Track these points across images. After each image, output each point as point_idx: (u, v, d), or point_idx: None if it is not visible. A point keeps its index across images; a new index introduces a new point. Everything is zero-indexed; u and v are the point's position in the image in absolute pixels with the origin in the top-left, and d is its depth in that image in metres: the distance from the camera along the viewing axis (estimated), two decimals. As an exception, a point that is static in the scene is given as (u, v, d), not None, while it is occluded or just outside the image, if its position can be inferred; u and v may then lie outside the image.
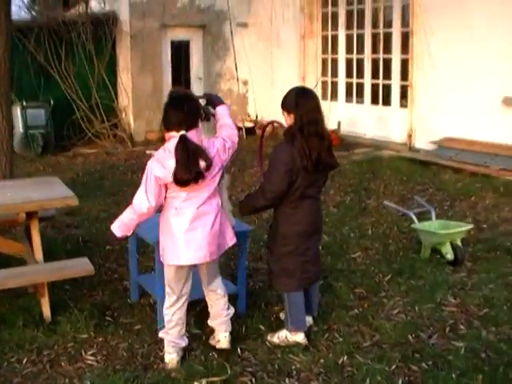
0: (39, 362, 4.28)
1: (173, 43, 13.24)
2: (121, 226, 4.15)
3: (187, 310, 4.32)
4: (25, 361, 4.29)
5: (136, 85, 12.53)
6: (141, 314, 4.99)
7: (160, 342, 4.50)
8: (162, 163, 3.93)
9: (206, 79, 13.65)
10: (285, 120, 4.45)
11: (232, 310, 4.50)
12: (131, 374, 4.07)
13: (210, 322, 4.48)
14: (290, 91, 4.49)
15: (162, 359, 4.27)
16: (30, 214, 4.96)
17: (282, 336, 4.51)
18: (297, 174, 4.26)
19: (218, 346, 4.39)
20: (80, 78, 12.15)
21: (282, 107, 4.42)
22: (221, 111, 4.41)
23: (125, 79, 12.61)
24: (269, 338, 4.56)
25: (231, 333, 4.42)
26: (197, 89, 13.63)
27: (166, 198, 4.03)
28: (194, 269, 4.24)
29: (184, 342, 4.31)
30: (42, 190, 5.15)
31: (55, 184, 5.43)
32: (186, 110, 3.96)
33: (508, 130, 9.27)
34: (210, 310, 4.47)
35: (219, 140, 4.18)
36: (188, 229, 4.03)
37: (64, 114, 12.02)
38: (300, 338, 4.47)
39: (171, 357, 4.22)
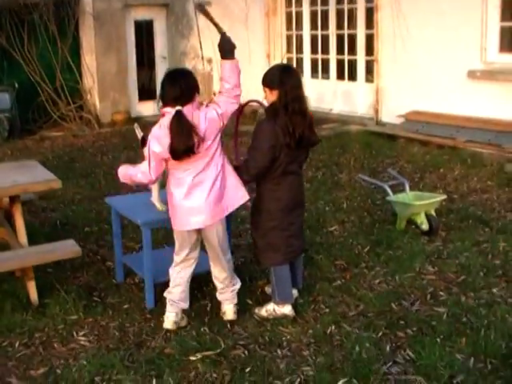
0: (32, 345, 4.30)
1: (136, 23, 13.14)
2: (125, 176, 4.42)
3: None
4: (17, 344, 4.31)
5: (100, 66, 12.43)
6: (128, 293, 5.04)
7: (150, 321, 4.58)
8: (159, 140, 4.07)
9: (170, 58, 13.60)
10: (265, 97, 4.50)
11: (238, 285, 4.65)
12: (125, 353, 4.13)
13: (218, 296, 4.64)
14: (273, 68, 4.55)
15: (154, 337, 4.35)
16: (12, 197, 4.95)
17: (270, 309, 4.61)
18: (279, 150, 4.34)
19: (224, 318, 4.55)
20: (43, 60, 11.99)
21: (264, 84, 4.47)
22: (225, 67, 4.40)
23: (89, 60, 12.48)
24: (256, 311, 4.66)
25: (236, 304, 4.59)
26: (161, 68, 13.60)
27: (168, 169, 4.20)
28: (199, 236, 4.39)
29: (185, 304, 4.47)
30: (25, 173, 5.14)
31: (36, 167, 5.42)
32: (181, 85, 4.07)
33: (473, 103, 9.45)
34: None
35: (211, 110, 4.24)
36: (186, 197, 4.20)
37: (29, 97, 11.87)
38: (287, 310, 4.58)
39: (168, 315, 4.40)
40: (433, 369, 3.83)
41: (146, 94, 13.59)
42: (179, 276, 4.45)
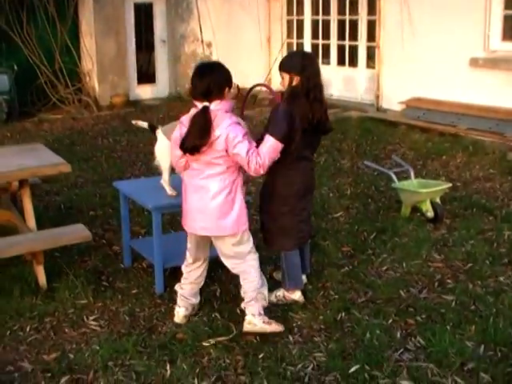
0: (42, 329, 4.30)
1: (136, 5, 13.04)
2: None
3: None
4: (28, 329, 4.30)
5: (100, 48, 12.35)
6: (136, 278, 5.04)
7: (160, 306, 4.59)
8: (181, 128, 4.06)
9: (169, 42, 13.53)
10: (281, 82, 4.49)
11: (251, 294, 4.23)
12: (137, 338, 4.14)
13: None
14: (294, 54, 4.59)
15: (165, 322, 4.36)
16: (21, 181, 4.94)
17: (280, 295, 4.64)
18: (295, 134, 4.33)
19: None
20: (42, 42, 11.92)
21: (283, 69, 4.45)
22: (267, 143, 4.02)
23: (88, 43, 12.41)
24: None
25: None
26: (160, 51, 13.54)
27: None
28: (207, 241, 4.29)
29: (196, 300, 4.45)
30: (32, 157, 5.12)
31: (42, 151, 5.40)
32: (210, 81, 3.93)
33: (474, 91, 9.46)
34: None
35: (233, 132, 3.89)
36: (188, 198, 4.12)
37: (27, 80, 11.80)
38: (297, 295, 4.60)
39: (179, 310, 4.38)
40: (444, 356, 3.86)
41: (144, 77, 13.54)
42: (190, 275, 4.39)
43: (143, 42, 13.52)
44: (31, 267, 4.93)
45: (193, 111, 4.04)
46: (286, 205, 4.52)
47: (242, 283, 4.27)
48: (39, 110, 12.00)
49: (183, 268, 4.42)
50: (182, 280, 4.42)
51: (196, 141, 3.90)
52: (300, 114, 4.25)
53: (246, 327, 4.16)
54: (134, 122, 5.20)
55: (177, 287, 4.46)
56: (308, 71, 4.33)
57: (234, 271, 4.30)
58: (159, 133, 4.89)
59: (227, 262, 4.28)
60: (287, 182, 4.49)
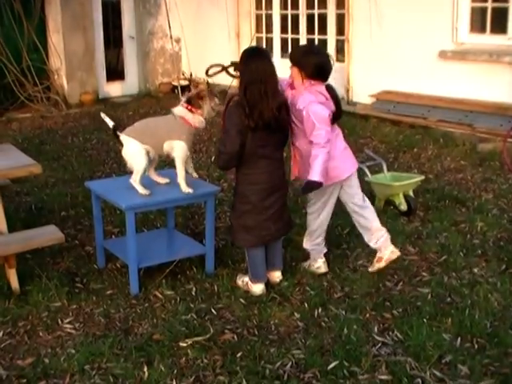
0: (16, 334, 4.23)
1: (103, 2, 12.86)
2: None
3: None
4: (1, 334, 4.23)
5: (68, 46, 12.15)
6: (110, 279, 4.98)
7: (135, 306, 4.54)
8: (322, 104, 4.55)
9: (138, 38, 13.38)
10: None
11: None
12: (113, 340, 4.09)
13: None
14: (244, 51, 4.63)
15: (141, 323, 4.31)
16: (-10, 184, 4.85)
17: (245, 281, 4.75)
18: (246, 134, 4.35)
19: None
20: (9, 40, 11.68)
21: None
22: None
23: (56, 40, 12.20)
24: (237, 278, 4.85)
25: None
26: (129, 48, 13.41)
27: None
28: None
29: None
30: (1, 158, 5.02)
31: (12, 151, 5.31)
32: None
33: (444, 83, 9.51)
34: None
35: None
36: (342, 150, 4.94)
37: (-6, 79, 11.61)
38: (259, 288, 4.67)
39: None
40: (421, 349, 3.88)
41: (113, 74, 13.39)
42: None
43: (111, 39, 13.36)
44: (3, 271, 4.84)
45: (321, 88, 4.57)
46: (247, 203, 4.56)
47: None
48: (7, 109, 11.77)
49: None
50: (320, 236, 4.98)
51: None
52: (236, 114, 4.32)
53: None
54: (102, 114, 5.07)
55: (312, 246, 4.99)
56: (245, 67, 4.38)
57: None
58: (124, 137, 4.82)
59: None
60: (247, 181, 4.55)
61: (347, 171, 4.84)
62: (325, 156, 4.49)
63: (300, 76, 4.59)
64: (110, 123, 4.97)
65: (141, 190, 4.75)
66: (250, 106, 4.30)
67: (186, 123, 4.79)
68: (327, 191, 4.84)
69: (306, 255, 5.14)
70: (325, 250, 5.10)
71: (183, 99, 4.86)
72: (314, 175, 4.48)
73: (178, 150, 4.75)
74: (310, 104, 4.51)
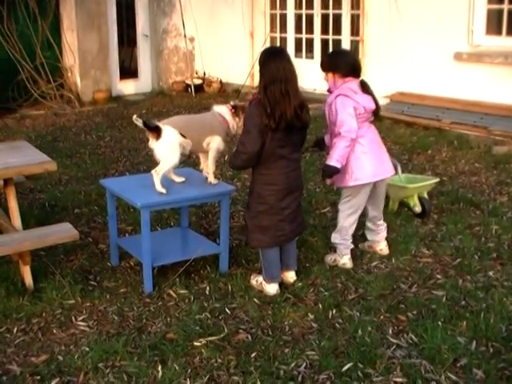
0: (30, 331, 4.23)
1: (117, 0, 12.90)
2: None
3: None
4: (15, 330, 4.22)
5: (81, 43, 12.20)
6: (124, 277, 4.98)
7: (149, 305, 4.53)
8: (353, 101, 4.79)
9: (152, 37, 13.42)
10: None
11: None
12: (127, 338, 4.08)
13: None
14: (262, 51, 4.61)
15: (155, 321, 4.31)
16: (6, 180, 4.85)
17: (259, 281, 4.73)
18: (266, 133, 4.34)
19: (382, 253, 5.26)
20: (24, 37, 11.72)
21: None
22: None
23: (70, 38, 12.24)
24: (251, 278, 4.83)
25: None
26: (143, 46, 13.43)
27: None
28: None
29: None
30: (17, 155, 5.02)
31: (27, 148, 5.31)
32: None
33: (458, 85, 9.47)
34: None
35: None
36: (377, 148, 5.15)
37: (8, 75, 11.59)
38: (272, 289, 4.66)
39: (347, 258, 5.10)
40: (436, 352, 3.86)
41: (127, 72, 13.43)
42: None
43: (125, 37, 13.42)
44: (17, 267, 4.86)
45: (352, 85, 4.80)
46: (263, 203, 4.54)
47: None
48: (21, 106, 11.83)
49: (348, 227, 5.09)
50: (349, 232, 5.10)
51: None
52: (257, 114, 4.31)
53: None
54: (135, 118, 4.79)
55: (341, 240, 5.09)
56: (265, 67, 4.37)
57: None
58: (166, 127, 4.72)
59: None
60: (264, 181, 4.53)
61: (380, 175, 5.04)
62: (344, 143, 4.71)
63: (333, 79, 4.89)
64: (139, 123, 4.76)
65: (158, 186, 4.73)
66: (272, 105, 4.28)
67: (225, 123, 4.86)
68: (360, 190, 4.99)
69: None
70: (352, 247, 5.17)
71: (231, 102, 5.06)
72: (331, 160, 4.75)
73: (216, 142, 4.81)
74: (337, 97, 4.80)
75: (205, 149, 4.87)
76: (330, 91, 4.98)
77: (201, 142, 4.82)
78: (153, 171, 4.77)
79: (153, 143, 4.74)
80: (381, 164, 5.03)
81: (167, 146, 4.71)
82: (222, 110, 4.93)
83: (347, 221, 5.09)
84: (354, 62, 4.98)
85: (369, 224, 5.33)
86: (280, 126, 4.31)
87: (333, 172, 4.81)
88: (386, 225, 5.37)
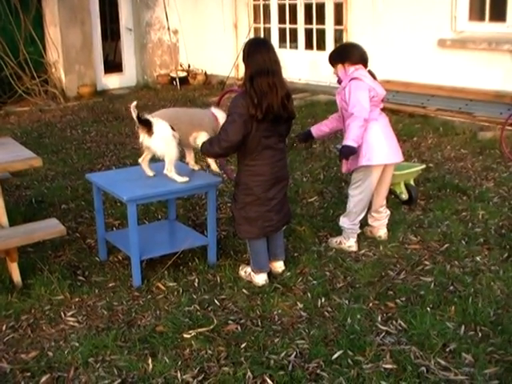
0: (19, 328, 4.21)
1: (100, -6, 12.84)
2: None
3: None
4: (4, 327, 4.20)
5: (65, 38, 12.12)
6: (112, 271, 4.97)
7: (138, 298, 4.53)
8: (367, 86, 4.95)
9: (135, 30, 13.35)
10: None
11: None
12: (117, 332, 4.08)
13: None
14: (247, 42, 4.59)
15: (144, 315, 4.31)
16: (-9, 177, 4.83)
17: (248, 271, 4.75)
18: (251, 124, 4.34)
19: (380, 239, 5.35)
20: (6, 33, 11.63)
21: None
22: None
23: (53, 33, 12.16)
24: (240, 269, 4.84)
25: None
26: (126, 40, 13.36)
27: None
28: None
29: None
30: (2, 152, 4.97)
31: (12, 145, 5.28)
32: None
33: (443, 71, 9.50)
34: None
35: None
36: (388, 133, 5.32)
37: (-9, 72, 11.56)
38: (261, 278, 4.67)
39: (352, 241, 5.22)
40: (426, 338, 3.88)
41: (111, 66, 13.37)
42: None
43: (109, 31, 13.35)
44: (4, 264, 4.83)
45: (363, 72, 4.98)
46: (250, 195, 4.55)
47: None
48: (5, 102, 11.74)
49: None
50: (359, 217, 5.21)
51: None
52: (243, 105, 4.30)
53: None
54: (133, 106, 4.67)
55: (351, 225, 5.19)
56: (251, 58, 4.36)
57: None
58: (157, 121, 4.68)
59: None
60: (251, 172, 4.53)
61: (391, 159, 5.20)
62: (358, 123, 4.82)
63: (344, 69, 5.05)
64: (135, 113, 4.68)
65: (179, 178, 4.76)
66: (259, 97, 4.27)
67: (215, 120, 4.88)
68: (369, 174, 5.11)
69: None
70: (359, 231, 5.29)
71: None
72: (347, 141, 4.86)
73: (203, 138, 4.73)
74: (351, 80, 4.94)
75: (191, 143, 4.85)
76: (339, 82, 5.11)
77: (188, 136, 4.80)
78: (165, 172, 4.77)
79: (145, 139, 4.71)
80: (392, 148, 5.18)
81: (164, 141, 4.69)
82: (219, 113, 4.93)
83: (357, 206, 5.18)
84: (362, 52, 5.12)
85: (371, 210, 5.40)
86: (267, 117, 4.31)
87: (350, 152, 4.90)
88: (388, 212, 5.45)
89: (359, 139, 4.88)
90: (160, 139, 4.68)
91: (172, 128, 4.72)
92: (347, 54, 5.08)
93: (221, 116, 4.88)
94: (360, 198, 5.16)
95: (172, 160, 4.75)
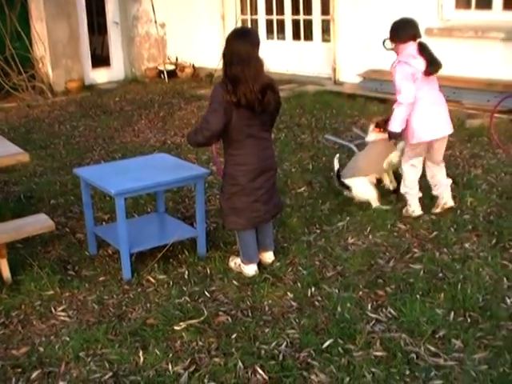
0: (10, 324, 4.20)
1: (86, -13, 12.77)
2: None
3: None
4: (-6, 324, 4.22)
5: (51, 33, 12.05)
6: (102, 265, 4.97)
7: (128, 292, 4.53)
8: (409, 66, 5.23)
9: (122, 23, 13.29)
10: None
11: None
12: (108, 326, 4.08)
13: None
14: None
15: (135, 308, 4.31)
16: (-23, 174, 4.81)
17: (237, 263, 4.76)
18: (231, 113, 4.34)
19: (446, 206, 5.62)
20: (-9, 29, 11.60)
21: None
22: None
23: (39, 28, 12.09)
24: (229, 260, 4.85)
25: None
26: (114, 34, 13.30)
27: None
28: None
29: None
30: (-12, 147, 4.99)
31: (-2, 140, 5.27)
32: None
33: (430, 59, 9.49)
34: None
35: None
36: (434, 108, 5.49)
37: (-23, 68, 11.49)
38: (252, 269, 4.69)
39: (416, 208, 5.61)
40: (415, 325, 3.90)
41: (99, 60, 13.31)
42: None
43: (96, 25, 13.28)
44: (-7, 261, 4.83)
45: (411, 49, 5.22)
46: (236, 185, 4.55)
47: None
48: (-9, 98, 11.70)
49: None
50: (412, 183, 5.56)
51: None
52: (221, 93, 4.32)
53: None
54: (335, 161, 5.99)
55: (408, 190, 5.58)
56: (227, 47, 4.38)
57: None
58: (353, 182, 5.81)
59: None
60: (236, 162, 4.53)
61: (436, 134, 5.40)
62: (401, 109, 5.25)
63: (395, 46, 5.34)
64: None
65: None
66: (233, 84, 4.29)
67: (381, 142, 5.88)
68: (418, 146, 5.44)
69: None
70: (420, 195, 5.64)
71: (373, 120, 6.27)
72: (391, 126, 5.36)
73: (388, 160, 5.98)
74: (397, 64, 5.27)
75: (385, 168, 6.01)
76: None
77: (378, 170, 5.96)
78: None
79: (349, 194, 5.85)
80: (437, 123, 5.39)
81: (363, 195, 5.77)
82: (372, 136, 6.02)
83: (410, 172, 5.54)
84: (410, 28, 5.34)
85: (430, 180, 5.68)
86: (241, 102, 4.30)
87: (395, 136, 5.47)
88: (448, 181, 5.70)
89: (403, 123, 5.30)
90: (359, 194, 5.77)
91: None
92: (396, 33, 5.34)
93: (374, 135, 5.98)
94: (410, 163, 5.52)
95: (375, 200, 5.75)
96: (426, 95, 5.30)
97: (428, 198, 5.74)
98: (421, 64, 5.22)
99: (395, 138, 5.55)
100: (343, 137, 7.86)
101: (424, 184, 5.69)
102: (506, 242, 4.99)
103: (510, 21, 8.96)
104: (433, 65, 5.28)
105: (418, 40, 5.32)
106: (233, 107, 4.32)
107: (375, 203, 5.73)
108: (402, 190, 5.63)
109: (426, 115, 5.31)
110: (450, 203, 5.64)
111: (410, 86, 5.18)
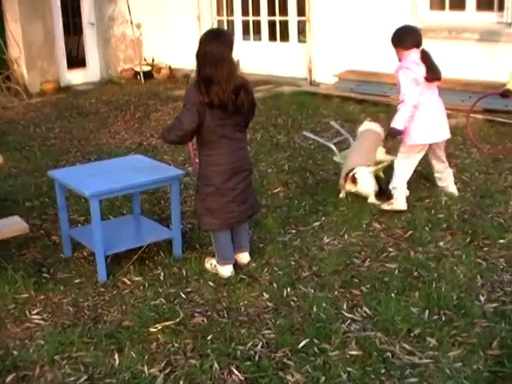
0: (-17, 327, 4.19)
1: (61, -12, 12.67)
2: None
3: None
4: (-32, 327, 4.18)
5: (26, 34, 11.93)
6: (77, 267, 4.94)
7: (104, 294, 4.51)
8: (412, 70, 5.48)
9: (98, 24, 13.20)
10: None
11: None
12: (83, 328, 4.05)
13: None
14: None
15: (110, 310, 4.29)
16: (-50, 176, 4.75)
17: (213, 264, 4.75)
18: (204, 113, 4.36)
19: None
20: (-35, 30, 11.47)
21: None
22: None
23: (14, 29, 11.97)
24: (205, 261, 4.84)
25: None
26: (89, 35, 13.22)
27: None
28: None
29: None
30: (-39, 150, 4.93)
31: (-29, 143, 5.21)
32: None
33: (405, 59, 9.55)
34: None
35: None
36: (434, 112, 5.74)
37: (-49, 70, 11.36)
38: (227, 270, 4.68)
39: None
40: (390, 324, 3.92)
41: (74, 62, 13.22)
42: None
43: (71, 26, 13.17)
44: (-35, 265, 4.78)
45: (414, 56, 5.46)
46: (210, 185, 4.56)
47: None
48: (-34, 100, 11.57)
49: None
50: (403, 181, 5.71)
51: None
52: (194, 93, 4.35)
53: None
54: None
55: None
56: (199, 49, 4.40)
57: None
58: (359, 172, 5.83)
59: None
60: (210, 162, 4.54)
61: (434, 139, 5.66)
62: (406, 109, 5.43)
63: (398, 52, 5.57)
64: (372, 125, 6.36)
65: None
66: (206, 85, 4.31)
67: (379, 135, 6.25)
68: (415, 149, 5.65)
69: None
70: (407, 193, 5.78)
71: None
72: (394, 123, 5.50)
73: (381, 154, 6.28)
74: (399, 69, 5.51)
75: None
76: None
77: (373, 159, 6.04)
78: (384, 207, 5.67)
79: (352, 188, 5.87)
80: (436, 128, 5.63)
81: (367, 188, 5.82)
82: (372, 126, 6.29)
83: (403, 171, 5.71)
84: (413, 35, 5.57)
85: (437, 175, 6.01)
86: (214, 103, 4.32)
87: (396, 133, 5.56)
88: (451, 171, 6.03)
89: (406, 122, 5.46)
90: (365, 186, 5.80)
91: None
92: (398, 40, 5.55)
93: (375, 127, 6.25)
94: (405, 162, 5.70)
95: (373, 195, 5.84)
96: (427, 100, 5.53)
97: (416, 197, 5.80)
98: (423, 71, 5.46)
99: (394, 136, 5.66)
100: (320, 136, 7.86)
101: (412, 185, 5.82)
102: (480, 240, 5.04)
103: (483, 22, 9.06)
104: (431, 73, 5.50)
105: (421, 48, 5.55)
106: (206, 108, 4.33)
107: (372, 199, 5.81)
108: (391, 185, 5.75)
109: (424, 120, 5.52)
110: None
111: (414, 89, 5.42)
